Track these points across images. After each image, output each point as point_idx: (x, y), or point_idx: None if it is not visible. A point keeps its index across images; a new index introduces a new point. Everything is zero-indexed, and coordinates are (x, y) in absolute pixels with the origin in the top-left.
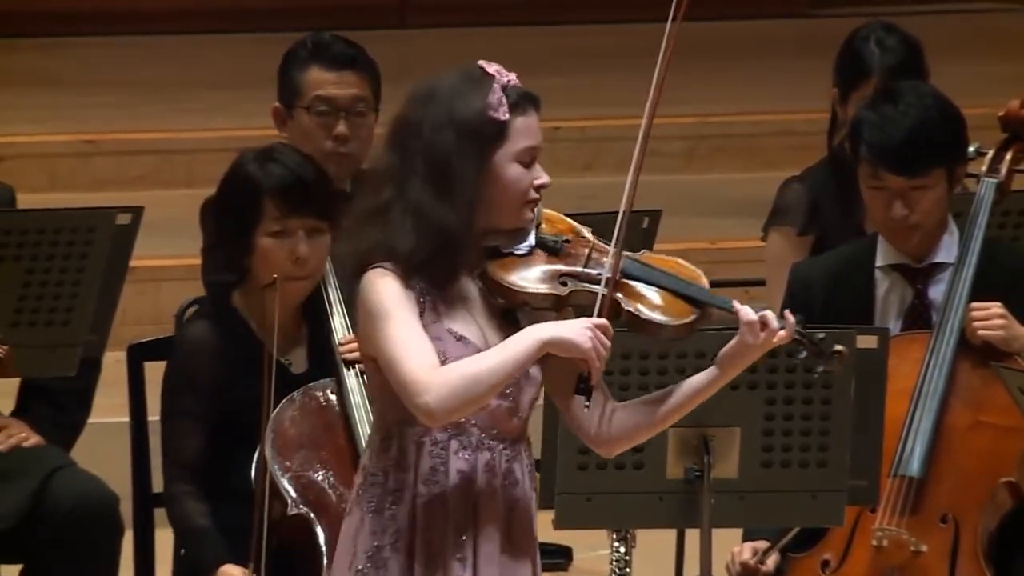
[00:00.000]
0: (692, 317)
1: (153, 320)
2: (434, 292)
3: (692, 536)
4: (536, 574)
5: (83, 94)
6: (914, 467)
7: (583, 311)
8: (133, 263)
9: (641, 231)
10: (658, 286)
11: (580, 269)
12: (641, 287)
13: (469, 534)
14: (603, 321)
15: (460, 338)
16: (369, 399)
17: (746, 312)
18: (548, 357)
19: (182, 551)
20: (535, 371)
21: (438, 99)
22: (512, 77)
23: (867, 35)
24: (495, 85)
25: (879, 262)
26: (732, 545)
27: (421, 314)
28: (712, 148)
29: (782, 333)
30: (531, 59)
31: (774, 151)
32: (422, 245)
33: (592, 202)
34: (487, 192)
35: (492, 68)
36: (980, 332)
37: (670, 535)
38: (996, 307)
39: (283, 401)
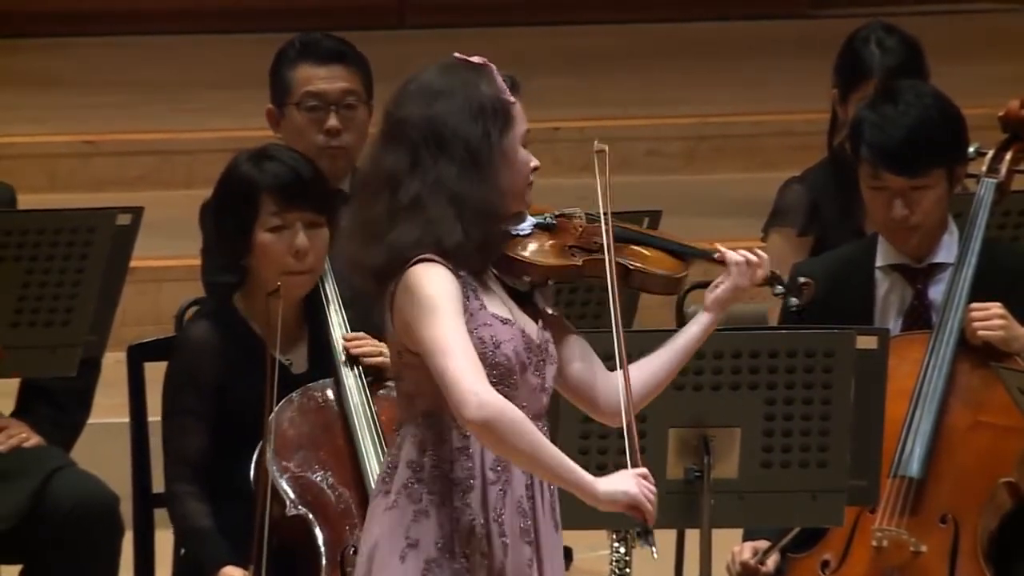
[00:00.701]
0: (685, 269)
1: (153, 320)
2: (475, 280)
3: (692, 536)
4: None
5: (83, 94)
6: (914, 467)
7: (598, 279)
8: (133, 263)
9: None
10: (650, 244)
11: (582, 239)
12: (637, 248)
13: (531, 515)
14: (644, 471)
15: (505, 320)
16: (397, 392)
17: (732, 255)
18: (554, 331)
19: (183, 551)
20: (554, 349)
21: (453, 92)
22: (494, 67)
23: (867, 36)
24: (494, 72)
25: (879, 262)
26: (732, 545)
27: (467, 302)
28: (712, 148)
29: (763, 270)
30: (531, 59)
31: (774, 151)
32: (473, 233)
33: (591, 202)
34: (507, 174)
35: (477, 59)
36: (980, 332)
37: (670, 535)
38: (996, 307)
39: (282, 402)
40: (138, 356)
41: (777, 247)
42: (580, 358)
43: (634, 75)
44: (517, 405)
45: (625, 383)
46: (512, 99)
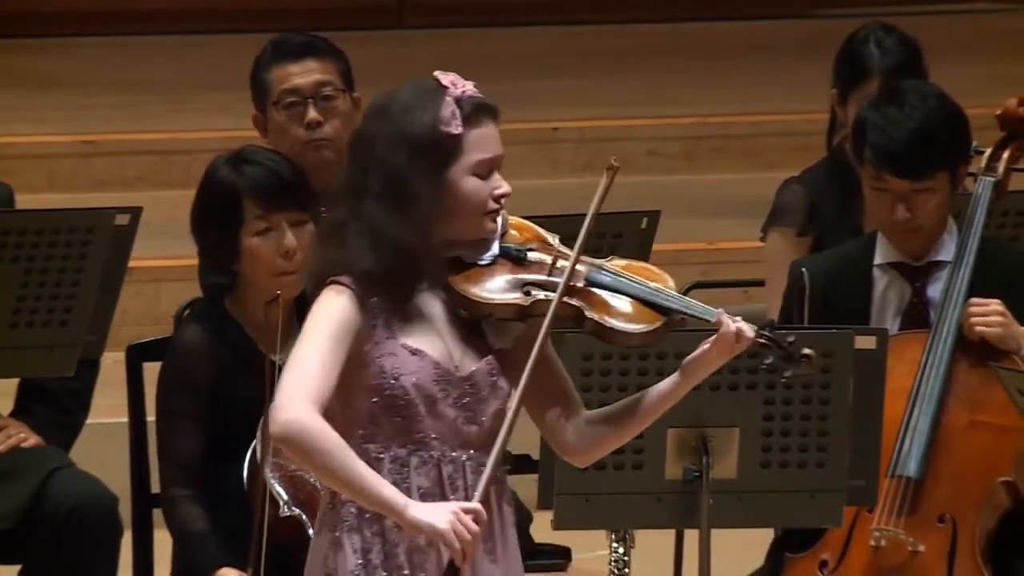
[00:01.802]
0: (658, 324)
1: (152, 321)
2: (391, 308)
3: (691, 536)
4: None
5: (83, 94)
6: (911, 467)
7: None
8: (132, 264)
9: (640, 231)
10: (624, 293)
11: (544, 278)
12: (605, 295)
13: (437, 551)
14: (474, 506)
15: (415, 352)
16: None
17: (728, 326)
18: (514, 365)
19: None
20: (503, 384)
21: (391, 114)
22: (468, 87)
23: (866, 36)
24: (448, 98)
25: (877, 260)
26: (731, 545)
27: (371, 330)
28: (712, 148)
29: (744, 330)
30: (531, 59)
31: (774, 151)
32: (380, 263)
33: (591, 202)
34: (445, 205)
35: (447, 79)
36: (978, 328)
37: (669, 535)
38: (995, 304)
39: (273, 403)
40: (137, 356)
41: (776, 247)
42: (551, 402)
43: (634, 75)
44: (424, 437)
45: (509, 420)
46: (456, 131)
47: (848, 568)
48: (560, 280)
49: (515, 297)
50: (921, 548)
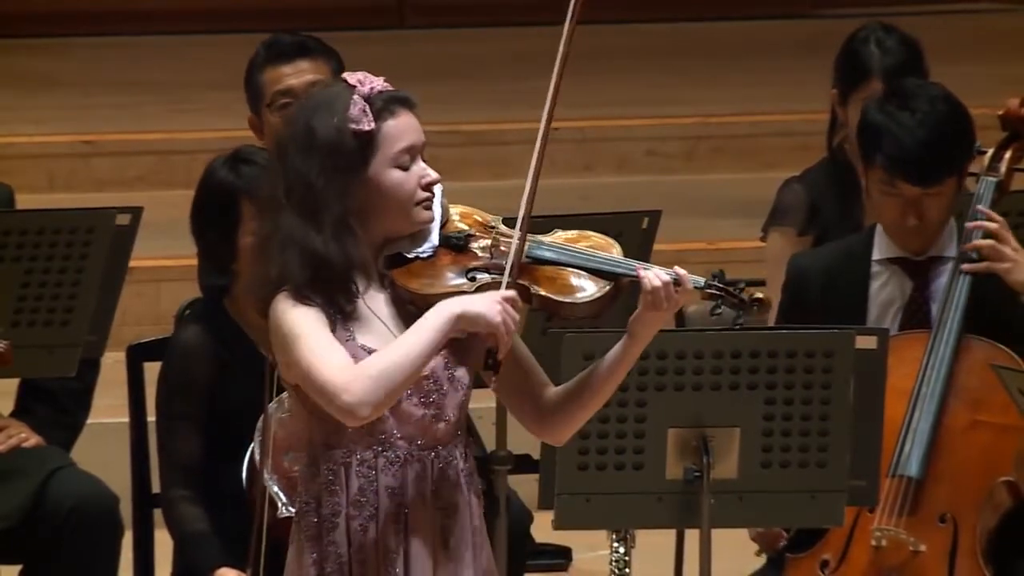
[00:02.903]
0: (605, 290)
1: (153, 321)
2: (336, 309)
3: (692, 536)
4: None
5: (83, 94)
6: (912, 467)
7: None
8: (132, 264)
9: (641, 231)
10: (567, 265)
11: (488, 261)
12: (549, 269)
13: (400, 550)
14: (511, 293)
15: (372, 351)
16: None
17: (648, 279)
18: (467, 352)
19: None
20: (461, 373)
21: (299, 120)
22: (377, 83)
23: (866, 36)
24: (355, 96)
25: (876, 256)
26: (731, 545)
27: (333, 330)
28: (712, 148)
29: (690, 287)
30: (531, 59)
31: (774, 152)
32: (304, 275)
33: (591, 203)
34: (373, 203)
35: (354, 78)
36: (977, 243)
37: (669, 535)
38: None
39: (271, 404)
40: (137, 356)
41: (777, 247)
42: (518, 383)
43: (634, 75)
44: (388, 437)
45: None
46: (367, 127)
47: (849, 568)
48: (505, 262)
49: (460, 284)
50: (922, 548)
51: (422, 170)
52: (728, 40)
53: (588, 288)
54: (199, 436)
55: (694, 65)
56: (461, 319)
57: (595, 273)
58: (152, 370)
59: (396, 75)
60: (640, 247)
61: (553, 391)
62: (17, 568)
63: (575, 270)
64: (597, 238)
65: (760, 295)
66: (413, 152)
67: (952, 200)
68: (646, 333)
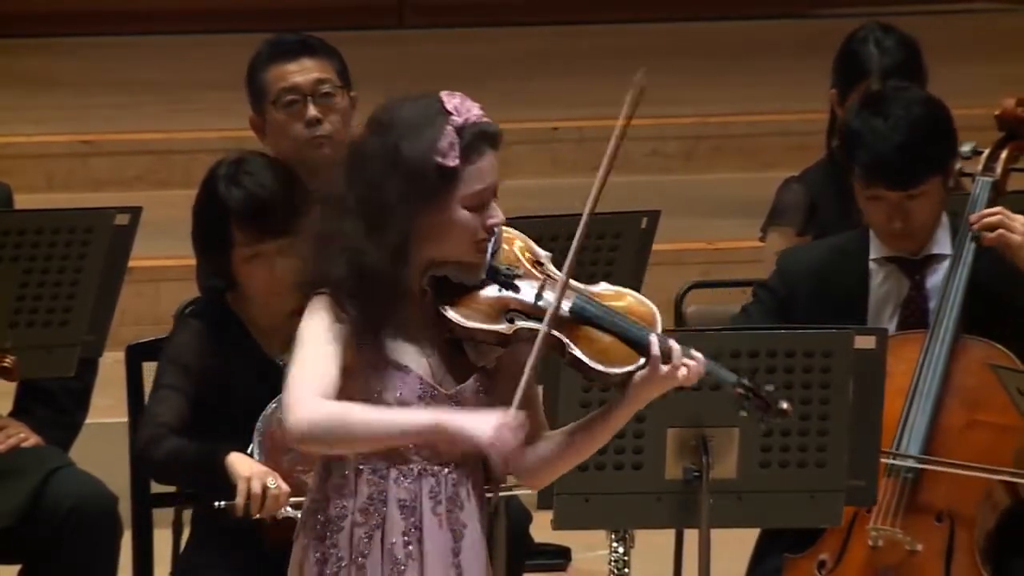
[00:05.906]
0: (636, 364)
1: (152, 321)
2: (370, 321)
3: (691, 536)
4: None
5: (82, 94)
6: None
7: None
8: (131, 263)
9: (640, 231)
10: (607, 330)
11: (530, 305)
12: (590, 330)
13: (408, 563)
14: (517, 420)
15: (400, 367)
16: None
17: (655, 351)
18: (497, 382)
19: (188, 488)
20: (489, 400)
21: (389, 133)
22: (472, 112)
23: (865, 36)
24: (448, 127)
25: (873, 254)
26: (731, 545)
27: (357, 344)
28: (711, 148)
29: (685, 373)
30: (531, 59)
31: (773, 151)
32: (350, 279)
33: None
34: (435, 231)
35: (451, 103)
36: (987, 219)
37: (669, 535)
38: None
39: (271, 403)
40: (137, 356)
41: (776, 246)
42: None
43: (634, 75)
44: (404, 451)
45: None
46: (452, 163)
47: (846, 568)
48: (547, 309)
49: (499, 326)
50: (919, 547)
51: (491, 211)
52: (727, 40)
53: (624, 361)
54: (185, 406)
55: (694, 65)
56: (447, 431)
57: (633, 345)
58: (151, 370)
59: (396, 75)
60: (639, 247)
61: (543, 442)
62: (16, 568)
63: (614, 337)
64: (635, 302)
65: (786, 406)
66: (486, 195)
67: (939, 200)
68: (641, 398)
